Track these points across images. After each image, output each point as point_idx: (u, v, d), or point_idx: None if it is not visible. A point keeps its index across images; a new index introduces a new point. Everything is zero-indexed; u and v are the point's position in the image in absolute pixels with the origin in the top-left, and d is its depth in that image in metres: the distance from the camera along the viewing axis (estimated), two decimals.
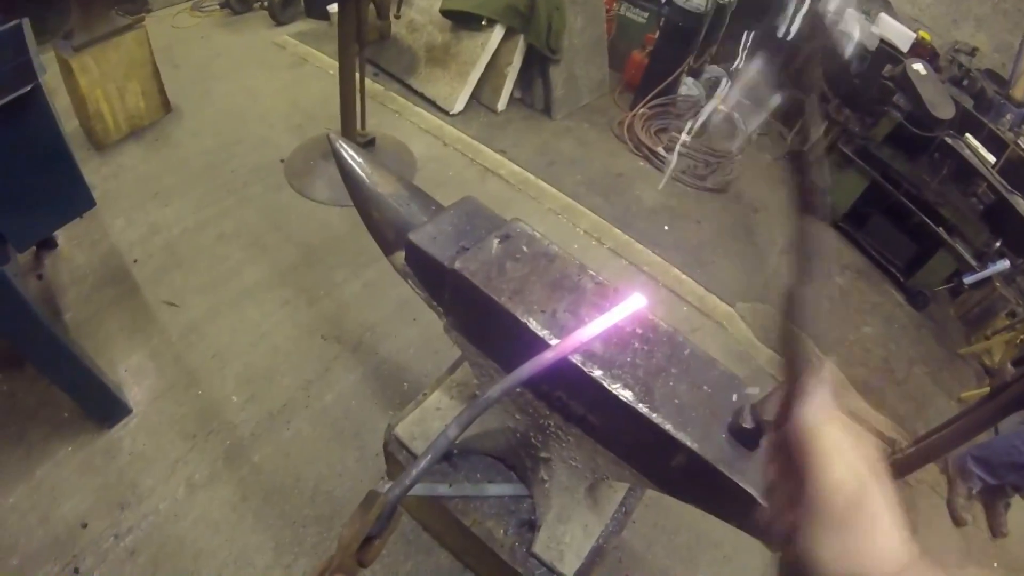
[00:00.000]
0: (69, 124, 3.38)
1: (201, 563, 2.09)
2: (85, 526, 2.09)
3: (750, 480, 1.13)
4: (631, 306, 1.21)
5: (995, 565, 3.03)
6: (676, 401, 1.20)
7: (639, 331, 1.27)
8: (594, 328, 1.14)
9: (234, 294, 2.90)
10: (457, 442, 1.73)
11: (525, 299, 1.25)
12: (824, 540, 0.52)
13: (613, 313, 1.18)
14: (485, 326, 1.35)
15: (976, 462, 3.16)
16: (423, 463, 0.97)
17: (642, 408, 1.16)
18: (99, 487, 2.19)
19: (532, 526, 1.77)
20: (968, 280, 4.28)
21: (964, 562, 3.00)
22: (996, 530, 3.17)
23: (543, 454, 1.55)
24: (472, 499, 1.80)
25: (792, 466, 0.58)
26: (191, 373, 2.58)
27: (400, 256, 1.46)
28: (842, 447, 0.56)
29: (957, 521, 3.12)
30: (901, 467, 2.95)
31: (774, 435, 0.62)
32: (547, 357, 1.07)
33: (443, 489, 1.78)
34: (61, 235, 2.92)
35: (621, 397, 1.17)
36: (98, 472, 2.23)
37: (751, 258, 4.18)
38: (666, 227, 4.15)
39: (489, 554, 1.77)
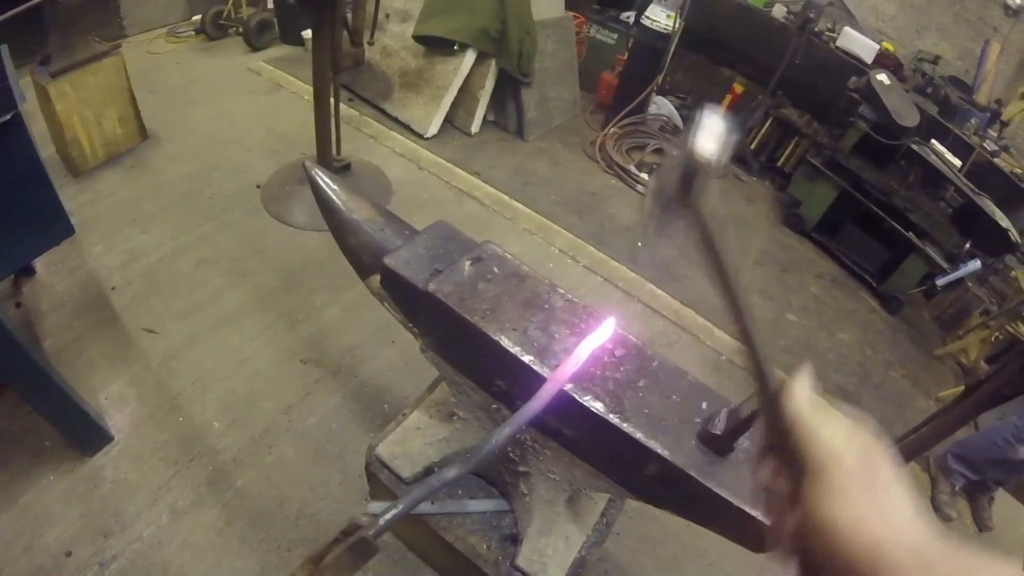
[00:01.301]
0: (46, 150, 3.38)
1: None
2: (69, 554, 2.07)
3: (722, 484, 1.17)
4: (605, 332, 1.25)
5: None
6: (646, 411, 1.24)
7: (609, 345, 1.32)
8: (580, 357, 1.19)
9: (214, 320, 2.91)
10: (437, 460, 1.77)
11: (498, 318, 1.29)
12: (838, 506, 0.50)
13: (592, 339, 1.23)
14: (460, 345, 1.39)
15: (957, 459, 3.22)
16: (411, 502, 1.00)
17: (613, 419, 1.20)
18: (83, 515, 2.18)
19: (515, 540, 1.79)
20: (941, 282, 4.39)
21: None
22: (982, 524, 3.23)
23: (522, 468, 1.58)
24: (454, 515, 1.82)
25: (787, 456, 0.57)
26: (172, 399, 2.57)
27: (376, 279, 1.49)
28: (837, 424, 0.55)
29: (942, 518, 3.18)
30: None
31: (763, 433, 0.62)
32: (544, 395, 1.11)
33: (425, 507, 1.80)
34: (40, 262, 2.91)
35: (592, 409, 1.21)
36: (81, 500, 2.22)
37: None
38: (640, 243, 4.21)
39: (474, 569, 1.78)
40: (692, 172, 0.73)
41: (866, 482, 0.51)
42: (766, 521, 0.61)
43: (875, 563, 0.46)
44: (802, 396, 0.58)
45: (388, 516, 0.98)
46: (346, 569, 0.93)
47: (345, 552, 0.92)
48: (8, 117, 1.63)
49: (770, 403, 0.61)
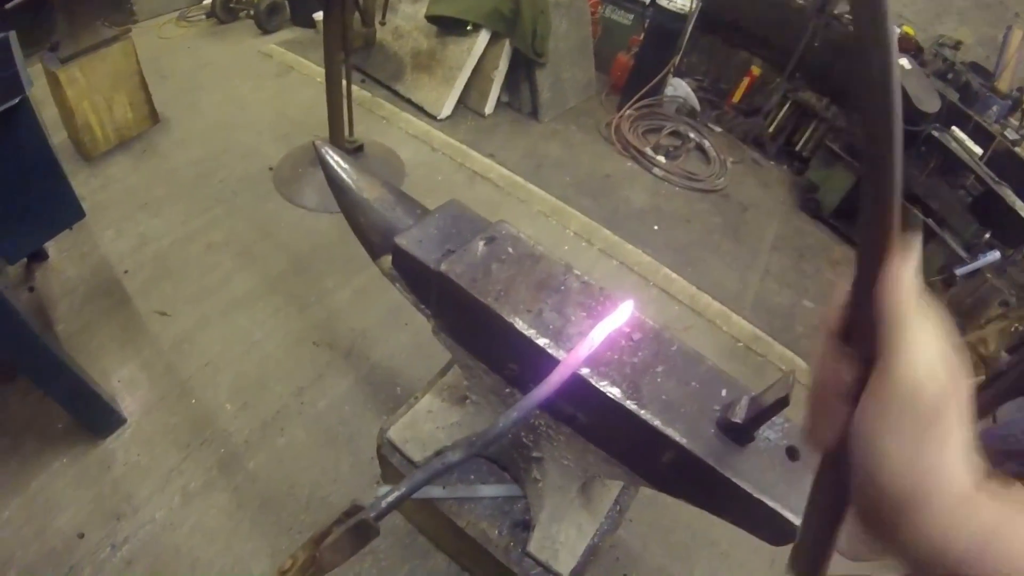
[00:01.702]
0: (57, 136, 3.36)
1: (198, 572, 2.08)
2: (82, 537, 2.08)
3: (741, 475, 1.14)
4: (623, 314, 1.22)
5: None
6: (664, 397, 1.21)
7: (626, 329, 1.28)
8: (595, 340, 1.16)
9: (225, 303, 2.90)
10: (449, 444, 1.75)
11: (511, 300, 1.26)
12: (893, 447, 0.46)
13: (607, 323, 1.20)
14: (473, 327, 1.36)
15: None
16: (414, 484, 0.99)
17: (630, 405, 1.17)
18: (94, 498, 2.18)
19: (526, 526, 1.77)
20: (959, 272, 4.32)
21: None
22: None
23: (535, 453, 1.56)
24: (466, 501, 1.81)
25: (863, 347, 0.49)
26: (184, 383, 2.57)
27: (387, 260, 1.47)
28: (930, 343, 0.47)
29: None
30: None
31: (848, 310, 0.52)
32: (555, 379, 1.09)
33: (436, 491, 1.78)
34: (52, 247, 2.91)
35: (609, 395, 1.18)
36: (93, 483, 2.22)
37: (742, 256, 4.20)
38: (656, 227, 4.16)
39: (485, 555, 1.77)
40: None
41: (930, 428, 0.46)
42: (808, 413, 0.54)
43: (916, 503, 0.44)
44: (906, 286, 0.48)
45: (390, 498, 0.97)
46: (346, 549, 0.92)
47: (346, 533, 0.91)
48: (16, 101, 1.62)
49: (867, 277, 0.49)
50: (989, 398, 2.63)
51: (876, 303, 0.48)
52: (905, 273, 0.47)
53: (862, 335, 0.49)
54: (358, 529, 0.92)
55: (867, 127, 0.47)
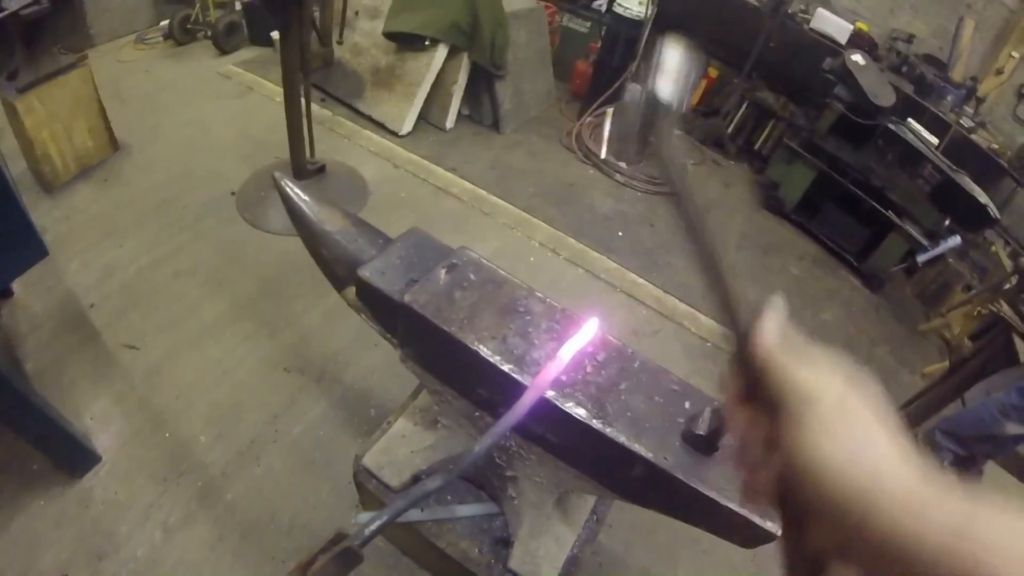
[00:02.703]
0: (17, 167, 3.32)
1: None
2: None
3: (707, 484, 1.17)
4: (588, 332, 1.25)
5: None
6: (629, 414, 1.24)
7: (589, 348, 1.31)
8: (562, 360, 1.18)
9: (194, 332, 2.88)
10: (425, 468, 1.76)
11: (476, 327, 1.28)
12: (823, 448, 0.47)
13: (572, 343, 1.22)
14: (439, 355, 1.38)
15: (945, 435, 3.25)
16: (394, 512, 1.00)
17: (596, 424, 1.20)
18: (75, 538, 2.16)
19: (506, 543, 1.79)
20: (921, 259, 4.42)
21: None
22: None
23: (509, 473, 1.58)
24: (445, 521, 1.82)
25: (761, 402, 0.53)
26: (157, 416, 2.55)
27: (351, 291, 1.48)
28: (813, 363, 0.52)
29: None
30: None
31: (734, 378, 0.58)
32: (526, 403, 1.12)
33: (415, 514, 1.79)
34: (17, 283, 2.85)
35: (575, 415, 1.20)
36: (73, 523, 2.20)
37: None
38: (620, 233, 4.21)
39: (467, 574, 1.79)
40: (653, 115, 0.75)
41: (850, 422, 0.48)
42: (741, 474, 0.57)
43: (868, 505, 0.44)
44: (772, 335, 0.54)
45: (372, 527, 0.99)
46: None
47: (331, 561, 0.93)
48: None
49: (740, 344, 0.57)
50: (956, 383, 2.70)
51: (756, 362, 0.54)
52: (769, 328, 0.54)
53: (753, 392, 0.55)
54: (343, 557, 0.94)
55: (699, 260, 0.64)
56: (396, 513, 1.03)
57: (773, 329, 0.55)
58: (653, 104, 0.74)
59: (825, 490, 0.46)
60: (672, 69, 0.73)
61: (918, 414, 2.81)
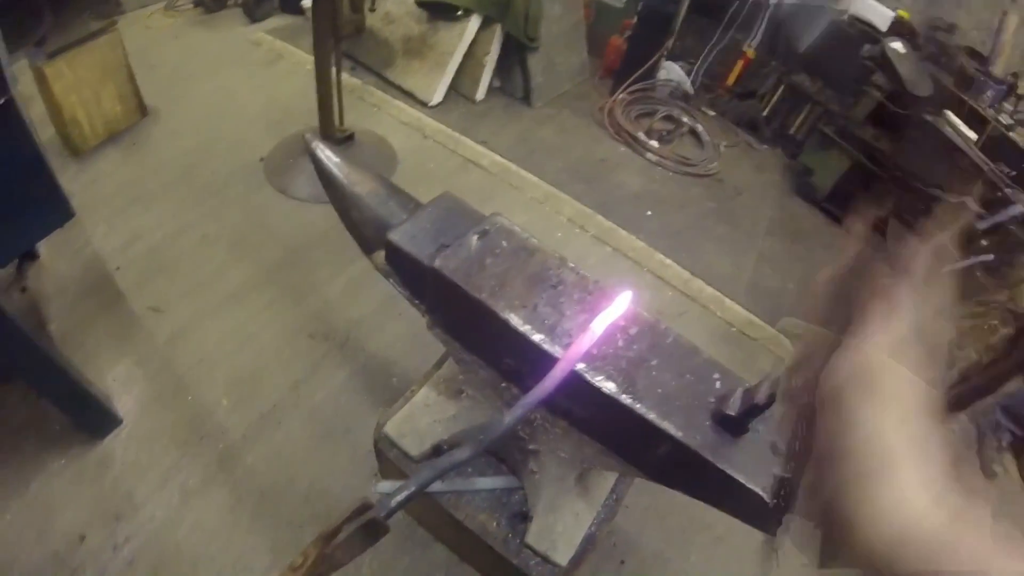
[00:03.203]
0: (45, 132, 3.33)
1: (200, 569, 2.09)
2: (83, 539, 2.08)
3: (736, 466, 1.14)
4: (621, 304, 1.22)
5: None
6: (659, 390, 1.21)
7: (621, 322, 1.28)
8: (592, 335, 1.15)
9: (219, 297, 2.89)
10: (446, 437, 1.75)
11: (506, 295, 1.25)
12: (857, 500, 0.50)
13: (605, 315, 1.19)
14: (467, 323, 1.35)
15: (1004, 414, 3.16)
16: (420, 483, 0.99)
17: (625, 399, 1.17)
18: (94, 499, 2.18)
19: (524, 517, 1.78)
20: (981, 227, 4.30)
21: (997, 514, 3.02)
22: None
23: (531, 446, 1.56)
24: (463, 493, 1.81)
25: (814, 427, 0.56)
26: (179, 379, 2.57)
27: (380, 255, 1.46)
28: (871, 402, 0.53)
29: (987, 473, 3.13)
30: None
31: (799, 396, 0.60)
32: (557, 375, 1.09)
33: (434, 485, 1.78)
34: (43, 245, 2.88)
35: (604, 389, 1.17)
36: (92, 484, 2.22)
37: (736, 240, 4.20)
38: (649, 212, 4.16)
39: (483, 547, 1.78)
40: None
41: (884, 475, 0.50)
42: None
43: (892, 557, 0.47)
44: (844, 369, 0.55)
45: (399, 497, 0.97)
46: (356, 548, 0.93)
47: (356, 531, 0.91)
48: (1, 102, 1.59)
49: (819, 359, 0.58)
50: (1020, 358, 2.60)
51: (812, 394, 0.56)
52: (844, 363, 0.55)
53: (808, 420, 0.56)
54: (368, 527, 0.92)
55: None
56: (424, 484, 1.01)
57: (846, 362, 0.55)
58: None
59: (856, 540, 0.50)
60: None
61: (978, 389, 2.71)
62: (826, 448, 0.53)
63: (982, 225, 4.13)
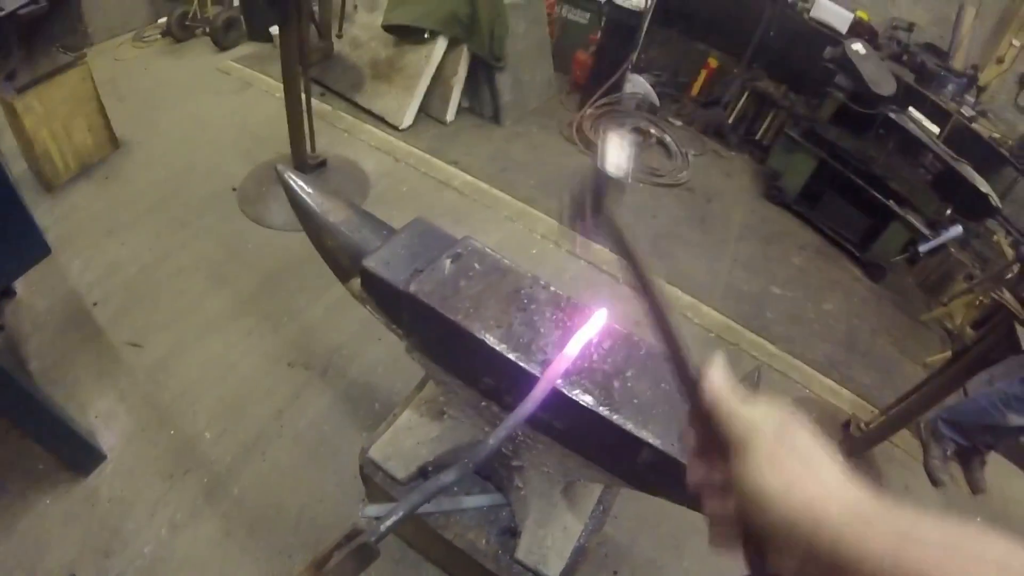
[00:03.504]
0: (17, 167, 3.32)
1: None
2: None
3: None
4: (598, 322, 1.25)
5: (978, 519, 3.13)
6: (635, 400, 1.24)
7: (596, 337, 1.31)
8: (570, 352, 1.18)
9: (198, 328, 2.88)
10: (431, 459, 1.77)
11: (481, 316, 1.28)
12: (765, 473, 0.51)
13: (583, 332, 1.22)
14: (445, 345, 1.38)
15: (947, 425, 3.25)
16: (409, 507, 1.00)
17: (602, 411, 1.20)
18: (82, 536, 2.16)
19: (513, 533, 1.79)
20: (923, 248, 4.40)
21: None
22: (975, 487, 3.27)
23: (515, 462, 1.58)
24: (452, 513, 1.82)
25: (712, 441, 0.58)
26: (162, 412, 2.55)
27: (356, 282, 1.48)
28: (753, 403, 0.57)
29: (934, 482, 3.21)
30: (866, 440, 3.03)
31: (689, 424, 0.64)
32: (538, 394, 1.12)
33: (422, 506, 1.79)
34: (19, 282, 2.85)
35: (582, 402, 1.20)
36: (79, 521, 2.20)
37: (709, 247, 4.25)
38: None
39: (474, 565, 1.79)
40: (603, 185, 0.90)
41: (789, 448, 0.52)
42: (705, 516, 0.63)
43: (814, 523, 0.47)
44: (718, 379, 0.60)
45: (389, 522, 0.99)
46: (348, 573, 0.94)
47: (347, 557, 0.93)
48: None
49: (692, 392, 0.63)
50: (958, 373, 2.69)
51: (703, 404, 0.60)
52: (715, 374, 0.60)
53: (706, 433, 0.60)
54: (359, 553, 0.94)
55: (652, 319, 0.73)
56: (413, 507, 1.03)
57: (720, 376, 0.60)
58: (601, 178, 0.88)
59: (772, 515, 0.50)
60: (619, 149, 0.87)
61: (920, 404, 2.80)
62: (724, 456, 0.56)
63: (925, 247, 4.24)
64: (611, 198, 0.89)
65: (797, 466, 0.51)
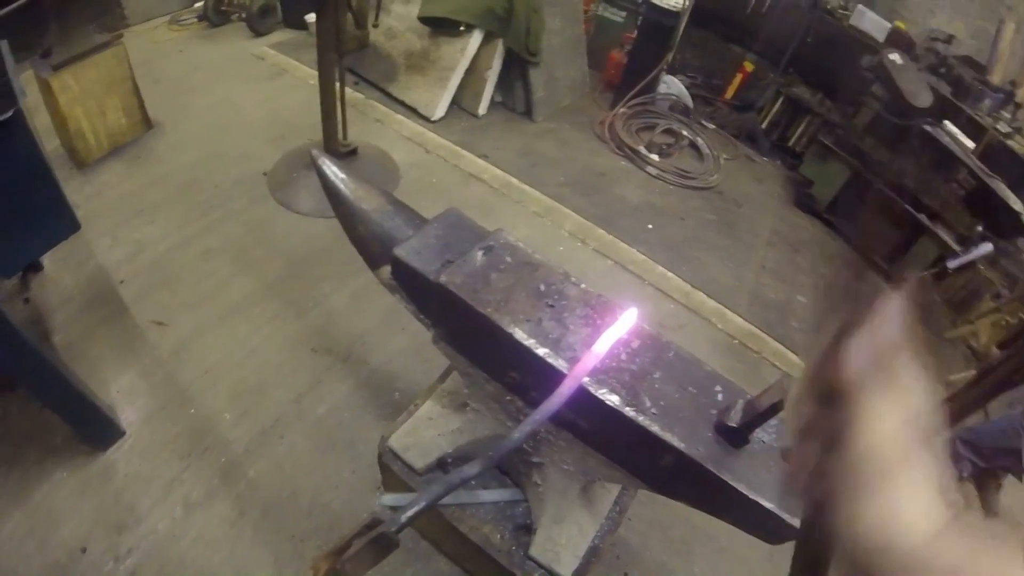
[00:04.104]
0: (50, 144, 3.36)
1: None
2: (84, 550, 2.07)
3: (738, 476, 1.15)
4: (627, 322, 1.23)
5: None
6: (662, 403, 1.22)
7: (624, 336, 1.29)
8: (599, 350, 1.17)
9: (222, 310, 2.90)
10: (451, 450, 1.76)
11: (511, 309, 1.27)
12: (857, 510, 0.52)
13: (612, 332, 1.21)
14: (473, 337, 1.37)
15: (965, 446, 3.20)
16: (431, 497, 1.00)
17: (628, 412, 1.18)
18: (96, 510, 2.18)
19: (528, 529, 1.78)
20: (952, 265, 4.31)
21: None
22: (989, 511, 3.21)
23: (535, 459, 1.57)
24: (467, 506, 1.82)
25: (827, 422, 0.55)
26: (183, 391, 2.57)
27: (386, 270, 1.47)
28: (886, 404, 0.53)
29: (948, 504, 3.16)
30: None
31: (814, 383, 0.59)
32: (564, 392, 1.11)
33: None
34: (47, 257, 2.89)
35: (608, 402, 1.19)
36: (95, 495, 2.22)
37: (736, 252, 4.21)
38: (650, 225, 4.18)
39: (487, 559, 1.78)
40: None
41: (886, 486, 0.52)
42: (790, 463, 0.61)
43: (882, 555, 0.50)
44: (861, 359, 0.54)
45: (410, 512, 0.98)
46: (367, 562, 0.94)
47: (367, 546, 0.92)
48: (9, 115, 1.61)
49: (837, 341, 0.56)
50: (981, 393, 2.64)
51: (837, 378, 0.55)
52: (871, 340, 0.54)
53: (829, 406, 0.56)
54: (378, 542, 0.93)
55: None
56: (434, 499, 1.02)
57: (863, 351, 0.54)
58: None
59: (855, 541, 0.52)
60: None
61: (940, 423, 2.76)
62: (832, 447, 0.54)
63: (953, 264, 4.17)
64: None
65: (886, 507, 0.51)
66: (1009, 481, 3.28)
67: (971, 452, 3.17)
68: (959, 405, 2.71)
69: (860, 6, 5.03)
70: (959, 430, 3.16)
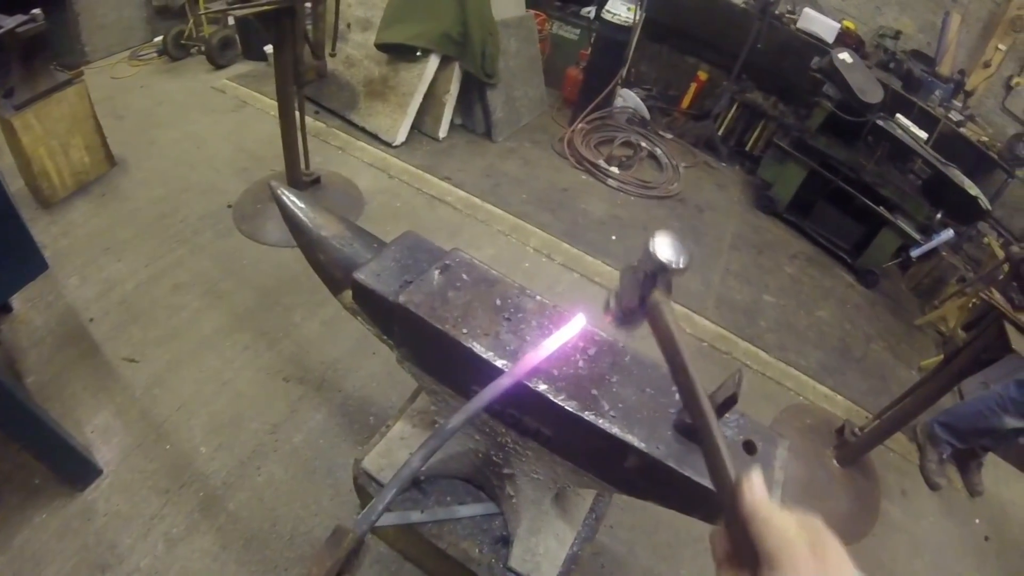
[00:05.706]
0: (15, 184, 3.36)
1: None
2: None
3: (699, 471, 1.19)
4: (575, 327, 1.27)
5: (976, 521, 3.16)
6: (620, 405, 1.26)
7: (581, 344, 1.33)
8: (544, 350, 1.21)
9: (194, 344, 2.90)
10: (424, 469, 1.77)
11: (469, 325, 1.30)
12: None
13: (560, 334, 1.25)
14: (435, 354, 1.40)
15: (943, 428, 3.27)
16: (388, 495, 1.03)
17: (587, 416, 1.22)
18: (78, 551, 2.17)
19: (506, 541, 1.80)
20: (915, 253, 4.46)
21: (944, 522, 3.09)
22: (972, 489, 3.29)
23: (506, 470, 1.60)
24: (445, 522, 1.83)
25: (745, 546, 0.60)
26: (158, 427, 2.57)
27: (348, 295, 1.50)
28: (788, 515, 0.59)
29: (931, 486, 3.23)
30: (861, 445, 3.05)
31: (724, 526, 0.66)
32: (502, 384, 1.14)
33: (416, 516, 1.81)
34: (16, 298, 2.88)
35: (567, 408, 1.22)
36: (76, 536, 2.21)
37: (701, 257, 4.29)
38: (614, 236, 4.25)
39: (468, 574, 1.80)
40: (654, 274, 0.93)
41: (819, 563, 0.55)
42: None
43: None
44: (758, 489, 0.62)
45: (372, 516, 1.00)
46: (353, 571, 0.96)
47: (347, 558, 0.94)
48: None
49: (729, 497, 0.64)
50: (951, 375, 2.71)
51: (740, 510, 0.61)
52: (756, 485, 0.62)
53: (740, 537, 0.61)
54: (355, 552, 0.96)
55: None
56: (390, 496, 1.05)
57: (760, 484, 0.62)
58: (653, 265, 0.91)
59: None
60: (670, 242, 0.90)
61: (914, 407, 2.83)
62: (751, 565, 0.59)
63: (916, 252, 4.29)
64: (661, 290, 0.92)
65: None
66: (989, 459, 3.36)
67: (949, 434, 3.24)
68: (931, 389, 2.78)
69: (806, 9, 5.17)
70: (936, 413, 3.24)
